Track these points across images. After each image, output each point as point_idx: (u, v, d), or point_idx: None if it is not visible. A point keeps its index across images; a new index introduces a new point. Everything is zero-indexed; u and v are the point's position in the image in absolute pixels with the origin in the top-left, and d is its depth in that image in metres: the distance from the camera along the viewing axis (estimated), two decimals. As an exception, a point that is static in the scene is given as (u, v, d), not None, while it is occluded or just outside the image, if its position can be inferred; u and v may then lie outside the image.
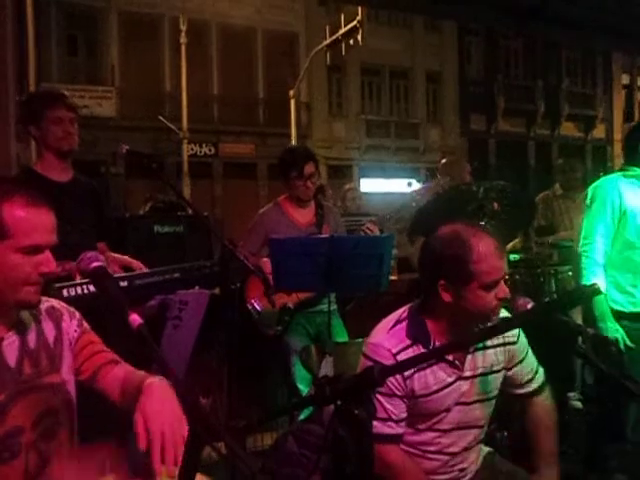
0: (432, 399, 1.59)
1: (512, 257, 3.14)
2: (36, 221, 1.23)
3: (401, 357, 1.55)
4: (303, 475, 1.82)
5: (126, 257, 2.28)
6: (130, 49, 17.03)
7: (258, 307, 2.89)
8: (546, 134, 23.40)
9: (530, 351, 1.76)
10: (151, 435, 1.15)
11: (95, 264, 1.22)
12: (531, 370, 1.76)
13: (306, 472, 1.83)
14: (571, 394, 3.41)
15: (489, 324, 1.56)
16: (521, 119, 22.82)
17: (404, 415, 1.59)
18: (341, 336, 2.99)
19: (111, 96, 16.66)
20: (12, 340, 1.29)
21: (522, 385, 1.76)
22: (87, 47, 17.11)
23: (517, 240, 3.66)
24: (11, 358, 1.27)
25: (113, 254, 2.39)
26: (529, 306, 1.47)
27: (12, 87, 2.71)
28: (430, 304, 1.60)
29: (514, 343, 1.70)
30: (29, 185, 1.32)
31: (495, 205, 2.85)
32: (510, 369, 1.73)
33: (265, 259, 2.85)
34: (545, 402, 1.78)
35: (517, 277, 3.17)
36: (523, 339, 1.74)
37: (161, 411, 1.19)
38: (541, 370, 1.79)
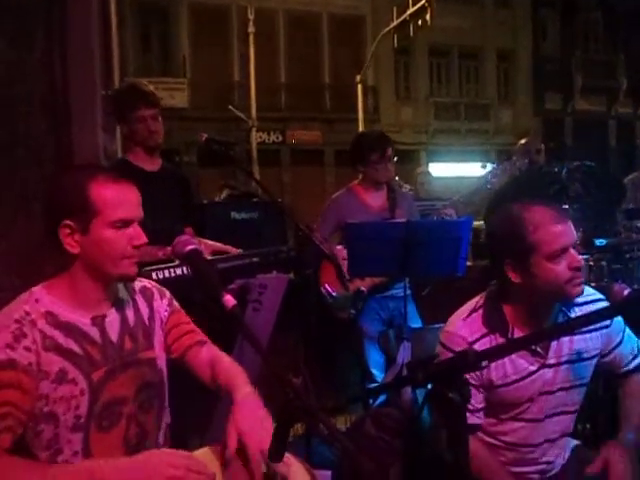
0: (513, 388, 1.55)
1: (598, 242, 2.99)
2: (121, 196, 1.30)
3: (477, 346, 1.52)
4: (382, 458, 1.83)
5: (220, 244, 2.36)
6: (200, 40, 17.46)
7: (332, 291, 2.91)
8: (629, 112, 21.96)
9: (628, 331, 1.65)
10: (250, 451, 1.23)
11: (190, 247, 1.26)
12: (632, 350, 1.67)
13: (384, 455, 1.84)
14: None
15: (573, 300, 1.49)
16: (601, 97, 21.52)
17: (480, 405, 1.57)
18: (415, 322, 2.97)
19: (183, 87, 17.18)
20: (114, 317, 1.37)
21: (618, 368, 1.68)
22: (160, 40, 17.69)
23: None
24: (113, 334, 1.35)
25: (207, 241, 2.47)
26: (626, 292, 1.40)
27: (99, 81, 2.82)
28: (505, 289, 1.56)
29: (607, 326, 1.61)
30: (115, 170, 1.39)
31: (579, 187, 2.72)
32: (607, 354, 1.65)
33: (339, 247, 2.86)
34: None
35: (603, 263, 3.00)
36: (619, 322, 1.63)
37: (257, 429, 1.25)
38: None
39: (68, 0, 2.55)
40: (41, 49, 2.38)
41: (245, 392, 1.34)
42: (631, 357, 1.67)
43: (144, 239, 1.32)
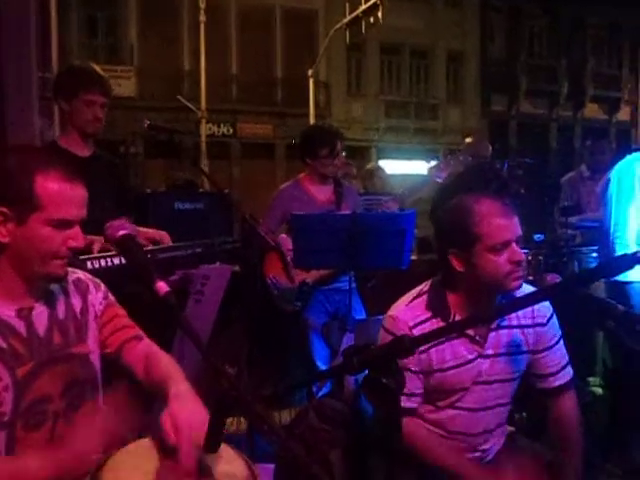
0: (449, 374, 1.57)
1: (537, 237, 3.12)
2: (69, 195, 1.23)
3: (417, 330, 1.54)
4: (325, 449, 1.83)
5: (153, 230, 2.27)
6: (149, 28, 16.98)
7: (277, 283, 2.90)
8: (569, 116, 22.92)
9: (562, 343, 1.67)
10: (183, 444, 1.14)
11: (122, 232, 1.22)
12: (557, 364, 1.67)
13: (326, 445, 1.84)
14: (591, 379, 3.37)
15: (512, 294, 1.53)
16: (544, 100, 22.36)
17: (417, 391, 1.58)
18: (359, 314, 2.99)
19: (130, 76, 16.68)
20: (41, 310, 1.30)
21: (543, 377, 1.67)
22: (107, 27, 17.11)
23: None
24: (40, 327, 1.29)
25: (140, 228, 2.38)
26: (557, 281, 1.44)
27: (35, 64, 2.69)
28: (448, 277, 1.59)
29: (543, 325, 1.64)
30: (59, 159, 1.30)
31: (519, 184, 2.81)
32: (536, 354, 1.66)
33: (283, 235, 2.85)
34: (567, 404, 1.67)
35: (540, 258, 3.14)
36: (554, 325, 1.67)
37: (191, 423, 1.17)
38: (569, 369, 1.68)
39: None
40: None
41: (181, 388, 1.28)
42: (554, 369, 1.66)
43: (81, 241, 1.25)
